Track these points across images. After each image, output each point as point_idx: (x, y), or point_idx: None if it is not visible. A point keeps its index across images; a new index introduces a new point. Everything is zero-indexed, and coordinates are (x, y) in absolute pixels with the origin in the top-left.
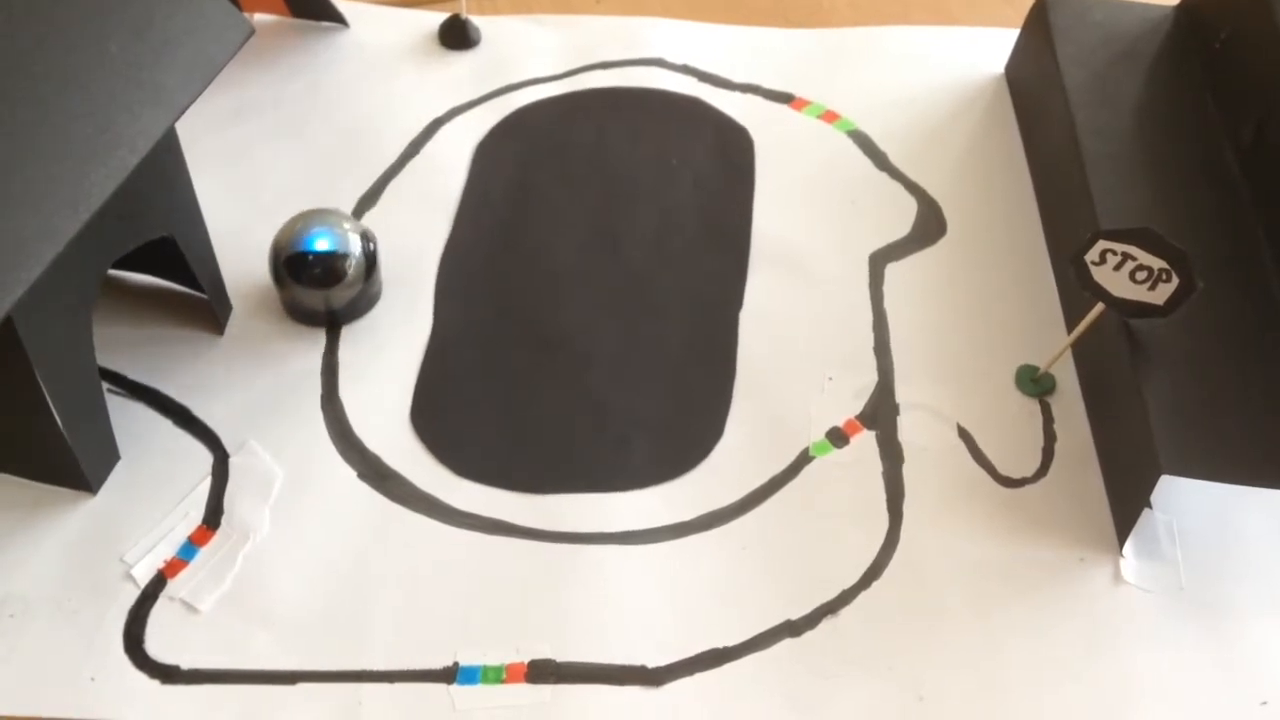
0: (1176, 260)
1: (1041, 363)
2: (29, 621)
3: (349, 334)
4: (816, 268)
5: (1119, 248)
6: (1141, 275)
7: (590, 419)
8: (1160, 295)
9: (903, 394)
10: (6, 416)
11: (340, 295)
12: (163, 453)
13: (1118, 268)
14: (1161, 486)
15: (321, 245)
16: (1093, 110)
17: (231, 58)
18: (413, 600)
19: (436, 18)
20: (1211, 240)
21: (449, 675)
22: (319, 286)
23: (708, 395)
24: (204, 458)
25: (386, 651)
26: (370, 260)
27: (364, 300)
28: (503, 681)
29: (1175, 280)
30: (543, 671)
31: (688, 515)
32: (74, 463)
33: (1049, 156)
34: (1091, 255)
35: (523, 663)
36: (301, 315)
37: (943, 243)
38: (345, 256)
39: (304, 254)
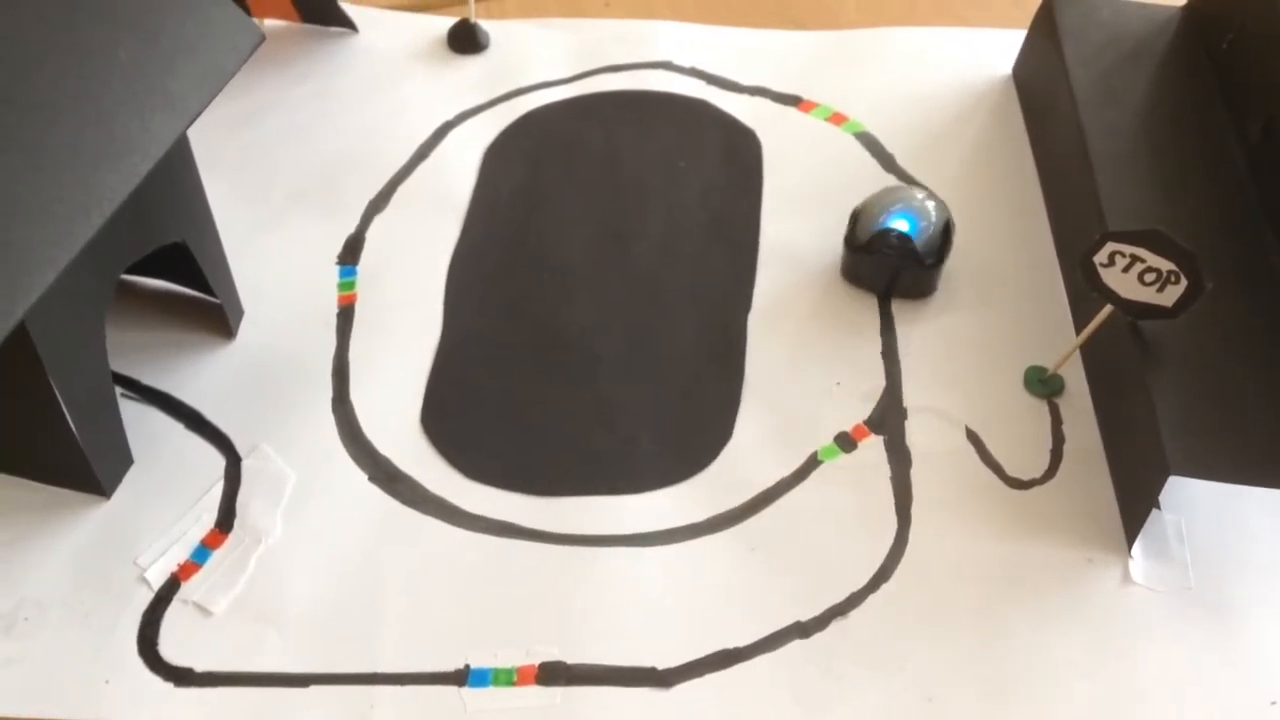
0: (1186, 262)
1: (1050, 364)
2: (43, 624)
3: (359, 337)
4: (824, 271)
5: (1128, 249)
6: (1150, 277)
7: (600, 421)
8: (1169, 297)
9: (910, 397)
10: (21, 421)
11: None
12: (175, 456)
13: (1126, 269)
14: (1170, 487)
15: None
16: (1100, 110)
17: (242, 64)
18: (423, 603)
19: (445, 22)
20: (1219, 241)
21: (460, 678)
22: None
23: (716, 398)
24: (216, 461)
25: (397, 654)
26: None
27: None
28: (514, 684)
29: (1184, 282)
30: (553, 674)
31: (697, 517)
32: (87, 467)
33: (1056, 157)
34: (1100, 257)
35: (533, 665)
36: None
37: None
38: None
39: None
